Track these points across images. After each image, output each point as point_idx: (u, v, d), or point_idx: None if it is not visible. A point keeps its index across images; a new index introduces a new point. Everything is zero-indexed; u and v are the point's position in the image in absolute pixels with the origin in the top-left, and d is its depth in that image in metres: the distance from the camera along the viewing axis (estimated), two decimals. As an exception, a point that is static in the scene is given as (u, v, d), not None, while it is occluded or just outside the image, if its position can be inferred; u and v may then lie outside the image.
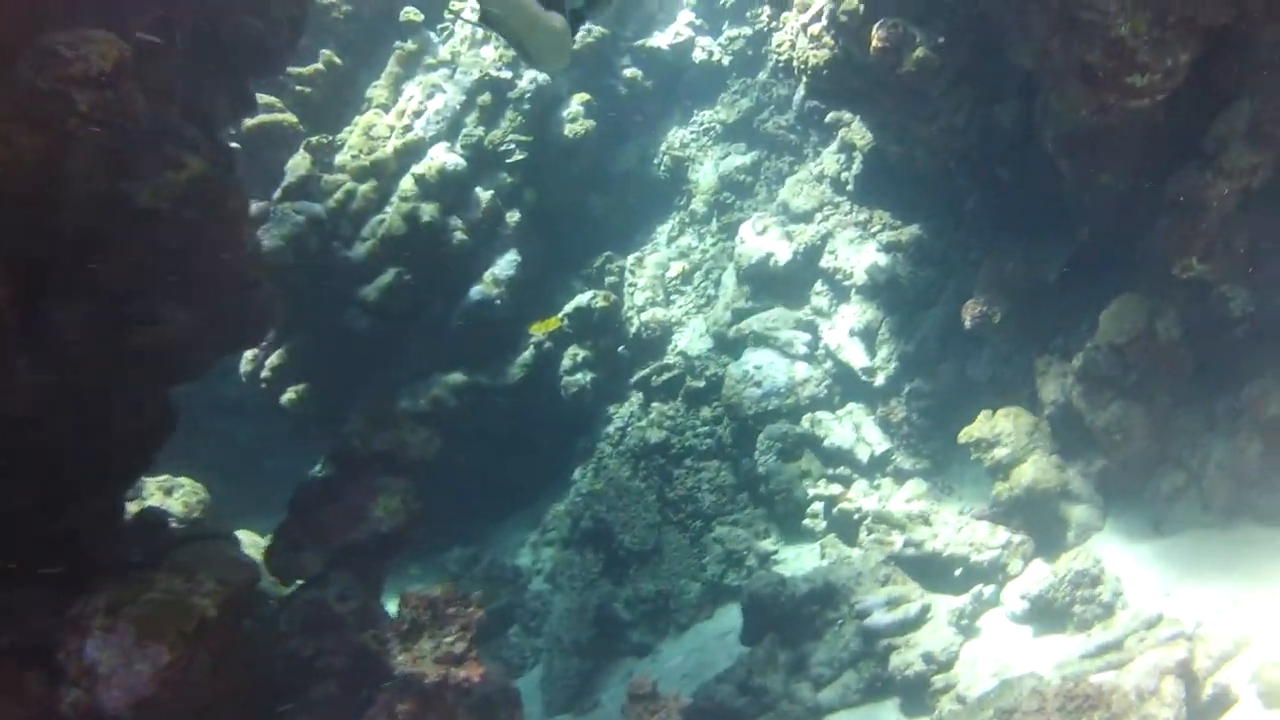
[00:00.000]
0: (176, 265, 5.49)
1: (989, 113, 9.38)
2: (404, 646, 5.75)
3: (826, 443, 10.75)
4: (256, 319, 6.27)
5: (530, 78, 12.69)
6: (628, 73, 14.12)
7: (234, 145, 11.68)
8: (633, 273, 13.14)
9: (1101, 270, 8.87)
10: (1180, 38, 7.11)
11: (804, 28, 9.59)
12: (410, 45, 12.77)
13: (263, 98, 11.77)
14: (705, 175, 13.87)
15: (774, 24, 10.13)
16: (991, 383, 9.90)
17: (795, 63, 9.77)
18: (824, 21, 9.36)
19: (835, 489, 10.51)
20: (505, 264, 12.19)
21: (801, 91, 10.19)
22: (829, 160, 12.33)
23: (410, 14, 12.63)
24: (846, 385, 11.16)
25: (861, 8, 8.93)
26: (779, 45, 10.05)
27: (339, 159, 11.99)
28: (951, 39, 8.82)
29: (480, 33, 12.60)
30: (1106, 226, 8.72)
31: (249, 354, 11.56)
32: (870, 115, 10.49)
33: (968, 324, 9.44)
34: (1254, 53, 7.33)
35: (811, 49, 9.48)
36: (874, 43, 8.86)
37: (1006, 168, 9.56)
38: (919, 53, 8.75)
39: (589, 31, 13.47)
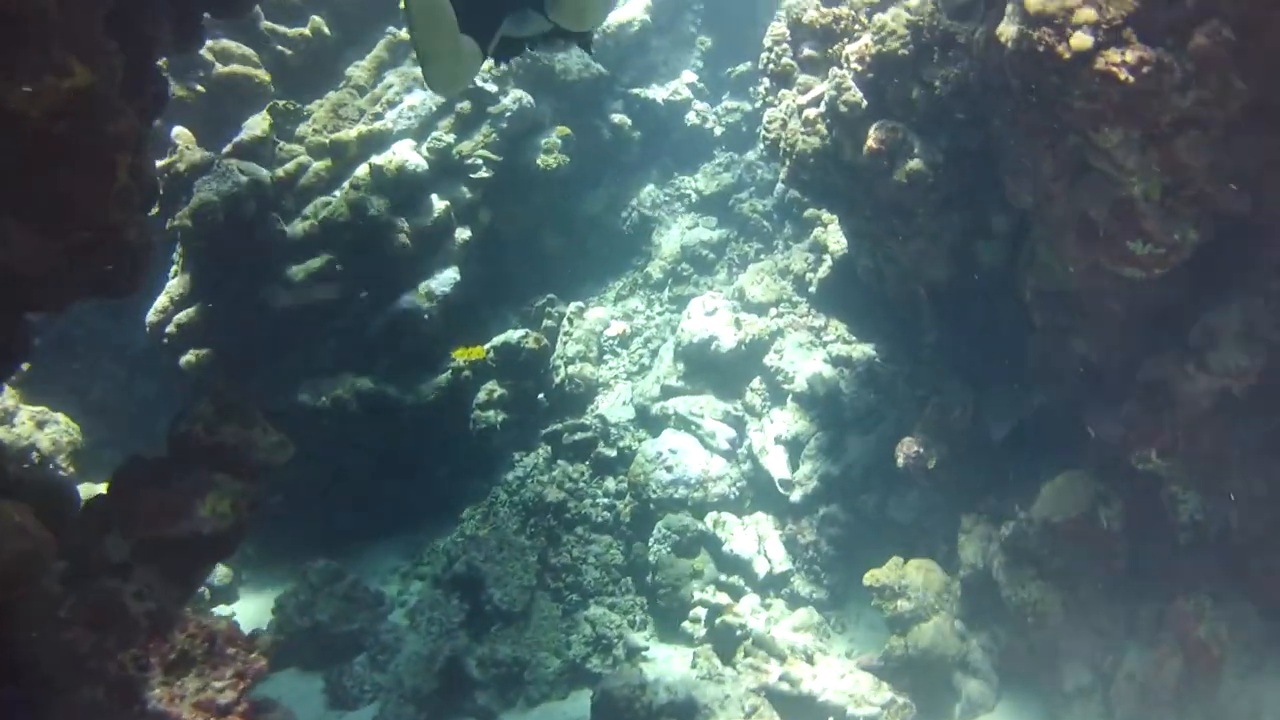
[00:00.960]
0: (35, 184, 4.67)
1: (972, 248, 8.71)
2: (165, 679, 4.85)
3: (726, 547, 9.98)
4: (125, 264, 5.39)
5: (515, 97, 12.07)
6: (616, 118, 13.51)
7: (197, 88, 11.26)
8: (571, 321, 12.40)
9: (1053, 438, 8.26)
10: (1194, 214, 6.50)
11: (800, 109, 8.91)
12: (403, 33, 12.09)
13: (240, 49, 11.44)
14: (669, 241, 13.21)
15: (770, 99, 9.39)
16: (911, 527, 9.23)
17: (783, 144, 9.07)
18: (822, 107, 8.68)
19: (723, 598, 9.70)
20: (444, 279, 11.36)
21: (783, 175, 9.42)
22: (797, 257, 11.72)
23: (412, 1, 11.80)
24: (760, 492, 10.40)
25: (864, 102, 8.27)
26: (770, 121, 9.33)
27: (300, 129, 11.34)
28: (952, 159, 8.16)
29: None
30: (1068, 394, 8.08)
31: (159, 303, 10.69)
32: (848, 221, 9.80)
33: (900, 462, 8.74)
34: (1263, 250, 6.80)
35: (803, 133, 8.79)
36: (869, 142, 8.19)
37: (977, 310, 8.89)
38: (914, 164, 8.07)
39: (587, 67, 12.94)
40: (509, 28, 4.80)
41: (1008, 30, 6.42)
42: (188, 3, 6.98)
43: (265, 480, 6.05)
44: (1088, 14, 5.99)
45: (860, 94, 8.29)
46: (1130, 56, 5.93)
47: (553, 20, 4.68)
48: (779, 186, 12.18)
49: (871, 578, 8.33)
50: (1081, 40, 5.99)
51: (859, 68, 8.27)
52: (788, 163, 9.06)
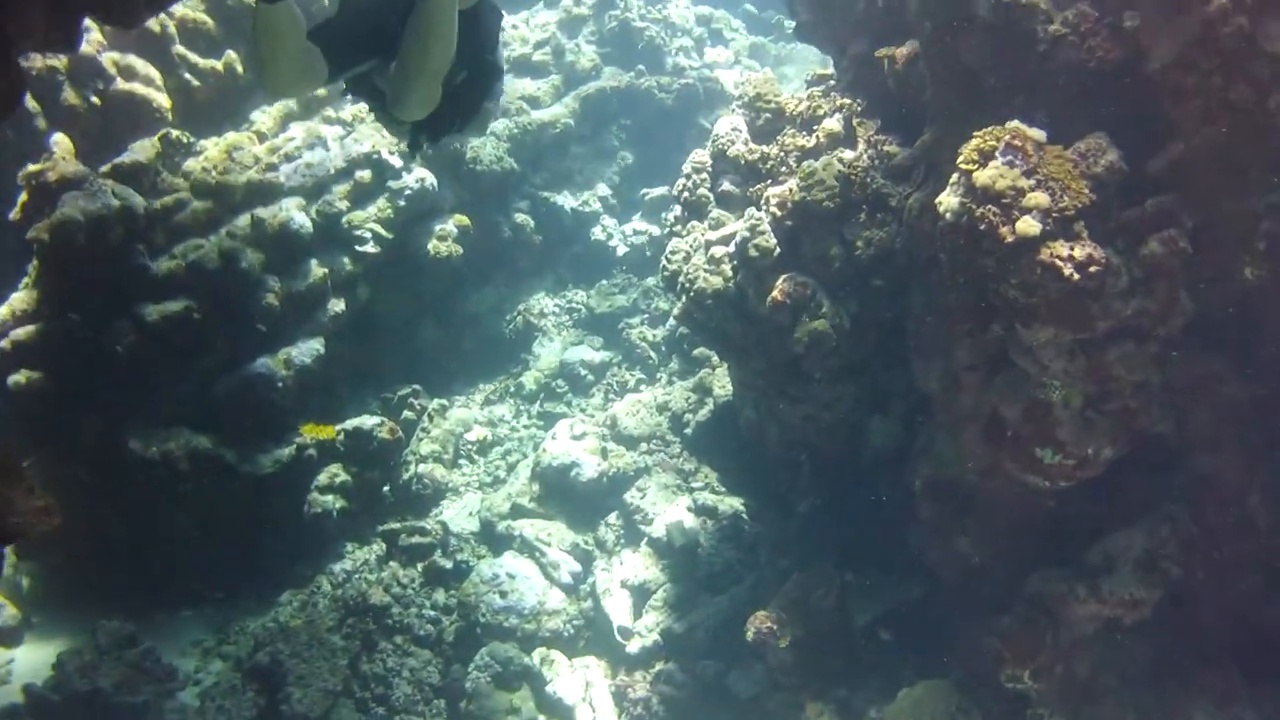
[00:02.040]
0: None
1: (865, 423, 8.14)
2: None
3: (550, 688, 9.13)
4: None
5: (419, 176, 11.40)
6: (520, 217, 12.93)
7: (92, 99, 10.39)
8: (432, 418, 11.55)
9: (918, 637, 7.64)
10: (1112, 430, 5.98)
11: (707, 245, 8.32)
12: (320, 91, 11.32)
13: (145, 68, 10.67)
14: (549, 354, 12.52)
15: (678, 228, 8.79)
16: (751, 704, 8.42)
17: (682, 278, 8.44)
18: (731, 248, 8.10)
19: (537, 745, 8.87)
20: (306, 350, 10.51)
21: (677, 310, 8.76)
22: (679, 394, 11.08)
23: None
24: (597, 636, 9.60)
25: (777, 250, 7.70)
26: (673, 252, 8.71)
27: (189, 164, 10.43)
28: (859, 326, 7.60)
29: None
30: (943, 593, 7.45)
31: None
32: (737, 370, 9.16)
33: (750, 635, 8.01)
34: (1176, 474, 6.32)
35: (706, 270, 8.19)
36: (774, 293, 7.62)
37: (859, 488, 8.26)
38: (818, 324, 7.50)
39: (500, 160, 12.35)
40: (368, 69, 4.90)
41: (948, 201, 5.87)
42: (64, -4, 6.14)
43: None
44: (1039, 199, 5.46)
45: (774, 241, 7.72)
46: (1079, 252, 5.40)
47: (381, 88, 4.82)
48: (672, 319, 11.57)
49: (696, 761, 7.54)
50: (1028, 226, 5.45)
51: (778, 213, 7.72)
52: (684, 299, 8.43)
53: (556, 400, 11.99)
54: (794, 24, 8.97)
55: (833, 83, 8.64)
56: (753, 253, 7.72)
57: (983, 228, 5.60)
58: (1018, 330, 5.82)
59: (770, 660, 8.10)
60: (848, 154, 7.55)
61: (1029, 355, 5.89)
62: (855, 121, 7.86)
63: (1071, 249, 5.40)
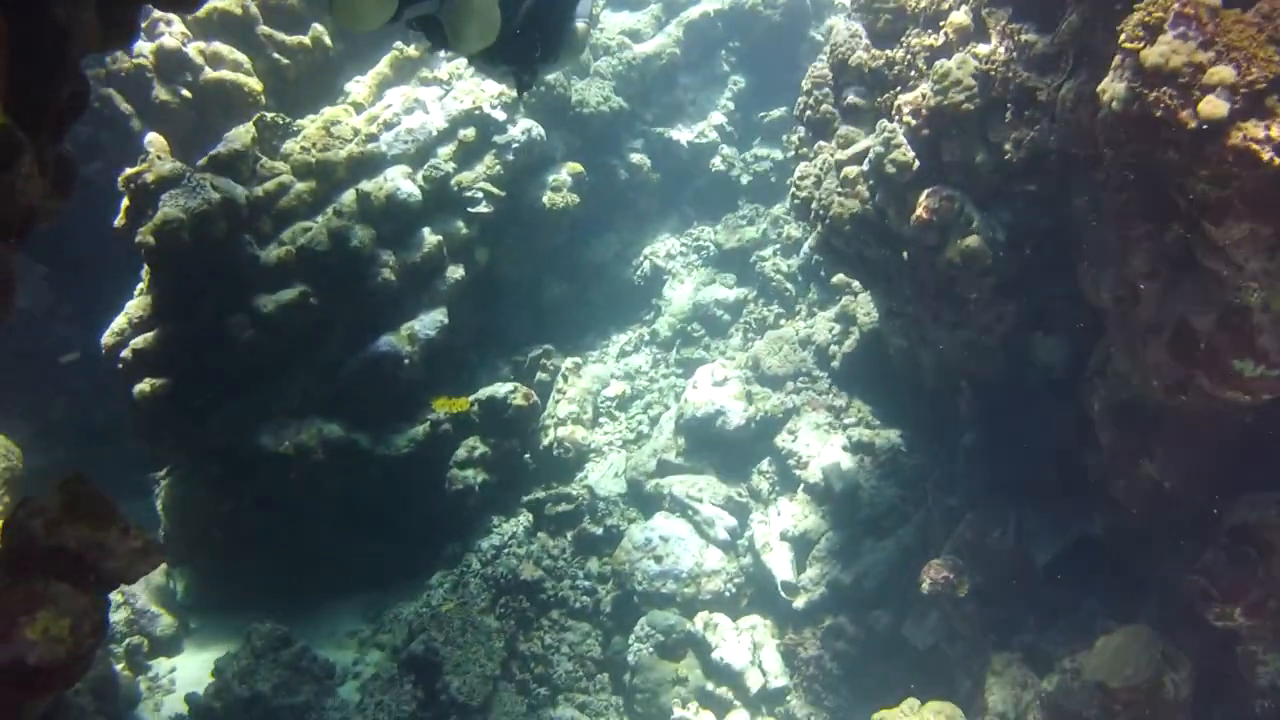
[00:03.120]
0: None
1: (1028, 342, 7.28)
2: None
3: (716, 654, 8.59)
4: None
5: (524, 128, 10.82)
6: (635, 157, 12.28)
7: (183, 93, 10.19)
8: (566, 378, 10.98)
9: (1105, 574, 6.86)
10: (1323, 334, 5.06)
11: (838, 166, 7.50)
12: (411, 50, 10.94)
13: (231, 53, 10.41)
14: (681, 297, 11.86)
15: (804, 150, 7.98)
16: (929, 654, 7.78)
17: (815, 205, 7.67)
18: (865, 165, 7.29)
19: (708, 716, 8.31)
20: (429, 322, 10.06)
21: (812, 241, 7.98)
22: (821, 326, 10.34)
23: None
24: (760, 593, 9.01)
25: (916, 163, 6.87)
26: (801, 177, 7.91)
27: (287, 146, 10.01)
28: (1015, 238, 6.75)
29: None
30: (1132, 527, 6.61)
31: (117, 324, 9.47)
32: (882, 298, 8.37)
33: (925, 588, 7.28)
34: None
35: (839, 194, 7.38)
36: (918, 210, 6.80)
37: (1028, 415, 7.43)
38: (970, 241, 6.66)
39: (607, 99, 11.69)
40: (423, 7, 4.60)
41: (1113, 88, 5.01)
42: (115, -17, 5.61)
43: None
44: (1223, 73, 4.57)
45: (912, 153, 6.89)
46: (1276, 131, 4.49)
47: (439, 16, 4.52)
48: (806, 247, 10.79)
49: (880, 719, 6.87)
50: (1213, 107, 4.57)
51: (913, 122, 6.88)
52: (819, 227, 7.65)
53: (694, 345, 11.34)
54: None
55: None
56: (889, 169, 6.92)
57: (1158, 114, 4.74)
58: (1206, 228, 4.95)
59: (947, 609, 7.37)
60: (982, 48, 6.67)
61: (1221, 256, 5.01)
62: (984, 12, 6.97)
63: (1268, 128, 4.51)
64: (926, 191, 6.81)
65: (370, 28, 4.67)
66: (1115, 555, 6.85)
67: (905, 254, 7.16)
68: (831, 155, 7.60)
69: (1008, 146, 6.44)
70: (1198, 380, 5.46)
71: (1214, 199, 4.74)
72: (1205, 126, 4.59)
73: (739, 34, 13.27)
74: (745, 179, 12.50)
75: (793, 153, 8.30)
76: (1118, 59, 5.01)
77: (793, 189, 8.02)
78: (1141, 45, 4.82)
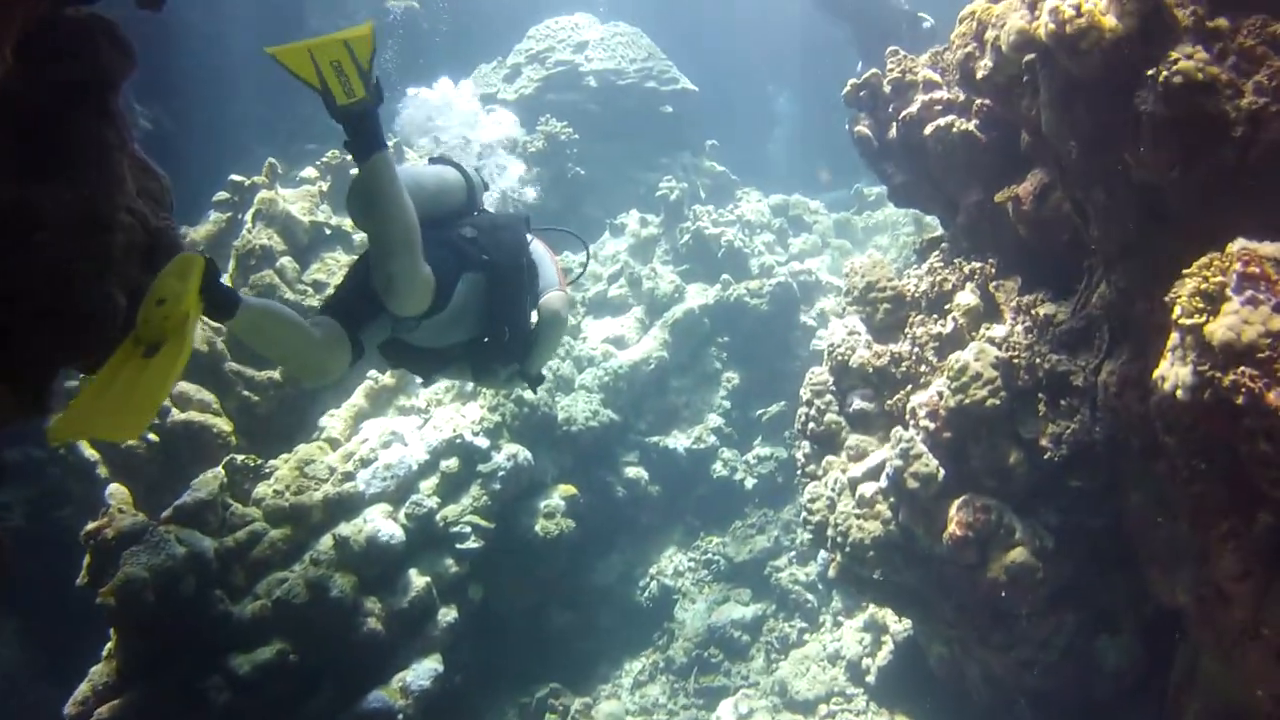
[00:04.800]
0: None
1: (1091, 648, 6.21)
2: None
3: None
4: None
5: (510, 453, 10.03)
6: (631, 471, 11.51)
7: (149, 437, 9.57)
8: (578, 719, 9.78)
9: None
10: None
11: (852, 484, 6.57)
12: (386, 379, 10.32)
13: (199, 392, 9.85)
14: (694, 618, 10.82)
15: (811, 467, 7.06)
16: None
17: (831, 532, 6.67)
18: (883, 481, 6.36)
19: None
20: (423, 672, 9.02)
21: (833, 571, 6.95)
22: (850, 638, 9.31)
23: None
24: None
25: (941, 473, 5.94)
26: (812, 500, 6.92)
27: (259, 489, 9.28)
28: (1065, 540, 5.77)
29: (469, 386, 10.14)
30: None
31: (80, 691, 8.48)
32: (920, 623, 7.31)
33: None
34: None
35: (857, 516, 6.44)
36: (950, 527, 5.83)
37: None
38: (1015, 555, 5.69)
39: (595, 414, 10.98)
40: (377, 331, 4.49)
41: (1175, 373, 4.11)
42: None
43: None
44: (1315, 343, 3.69)
45: (935, 462, 6.00)
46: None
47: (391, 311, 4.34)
48: (822, 563, 9.84)
49: None
50: (1312, 387, 3.65)
51: (931, 426, 6.02)
52: (838, 556, 6.64)
53: (713, 672, 10.22)
54: (886, 188, 7.49)
55: (945, 245, 7.09)
56: (911, 483, 6.01)
57: (1240, 401, 3.82)
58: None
59: None
60: (997, 330, 5.89)
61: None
62: (992, 287, 6.21)
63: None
64: (957, 503, 5.87)
65: (334, 377, 4.39)
66: None
67: (941, 576, 6.14)
68: (843, 471, 6.69)
69: (1045, 443, 5.53)
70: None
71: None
72: (1305, 414, 3.67)
73: (727, 328, 12.82)
74: (750, 482, 11.79)
75: (799, 472, 7.35)
76: (1174, 337, 4.13)
77: (804, 514, 7.02)
78: (1204, 319, 3.95)
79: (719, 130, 18.23)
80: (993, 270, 6.27)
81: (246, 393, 10.09)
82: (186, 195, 11.50)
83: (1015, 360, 5.63)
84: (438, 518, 9.51)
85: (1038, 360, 5.53)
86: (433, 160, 5.26)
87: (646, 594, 11.20)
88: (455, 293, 4.52)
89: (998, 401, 5.62)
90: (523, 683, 10.28)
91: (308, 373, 4.34)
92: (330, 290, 5.02)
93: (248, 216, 11.19)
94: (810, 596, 10.28)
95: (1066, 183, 5.25)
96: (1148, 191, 4.52)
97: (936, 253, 7.18)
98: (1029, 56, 5.06)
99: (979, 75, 5.65)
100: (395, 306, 4.27)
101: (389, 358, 4.88)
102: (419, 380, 9.71)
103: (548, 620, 10.77)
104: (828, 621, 10.01)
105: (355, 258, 4.96)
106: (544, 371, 5.32)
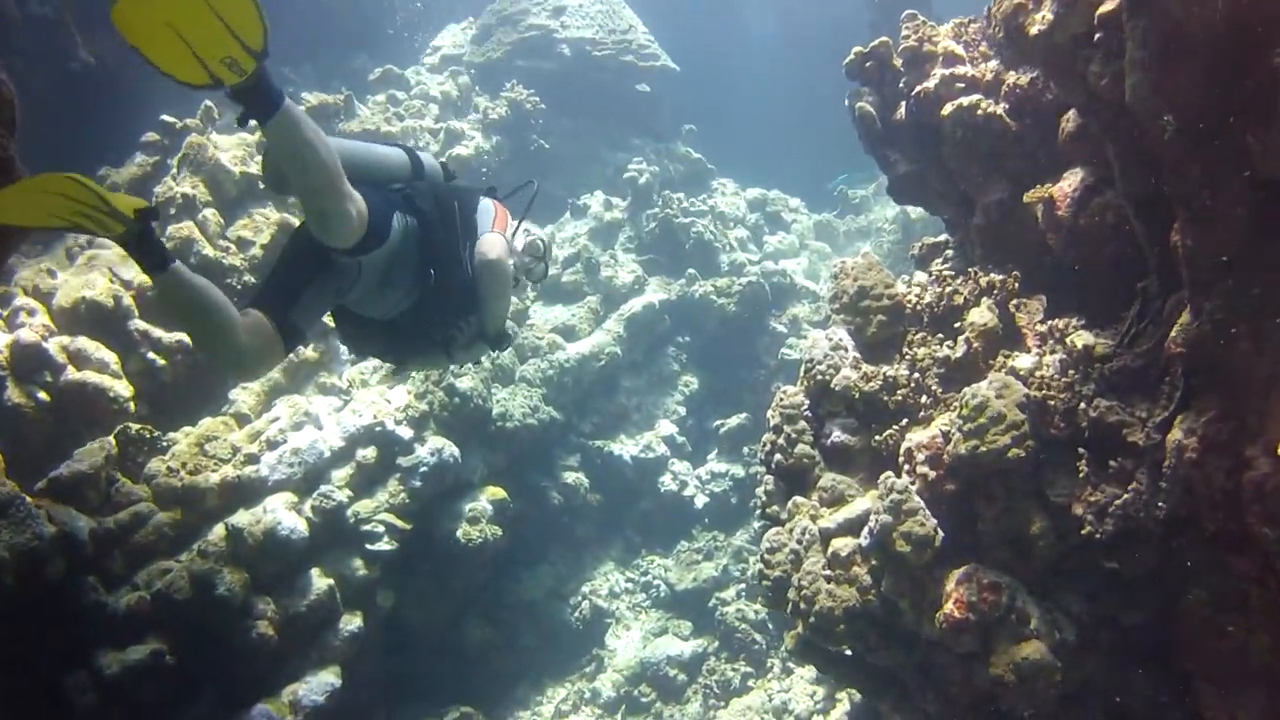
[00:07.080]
0: None
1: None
2: None
3: None
4: None
5: (435, 447, 8.93)
6: (570, 477, 10.49)
7: (39, 396, 8.29)
8: (489, 746, 8.74)
9: None
10: None
11: (824, 537, 5.25)
12: (309, 353, 9.22)
13: (98, 350, 8.55)
14: (628, 647, 9.74)
15: (774, 508, 5.77)
16: None
17: (794, 592, 5.31)
18: (864, 538, 5.03)
19: None
20: (317, 685, 7.95)
21: (790, 643, 5.66)
22: (800, 690, 8.39)
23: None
24: None
25: (939, 536, 4.64)
26: (772, 550, 5.56)
27: (152, 465, 8.15)
28: (1088, 636, 4.48)
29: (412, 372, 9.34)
30: None
31: None
32: (891, 712, 5.98)
33: None
34: None
35: (828, 579, 5.13)
36: (947, 605, 4.57)
37: None
38: (1029, 651, 4.41)
39: (534, 411, 9.87)
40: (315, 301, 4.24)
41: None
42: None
43: None
44: None
45: (932, 522, 4.70)
46: None
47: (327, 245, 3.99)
48: (785, 649, 8.80)
49: None
50: None
51: (931, 474, 4.74)
52: (799, 625, 5.29)
53: (642, 713, 9.15)
54: (885, 181, 6.26)
55: (951, 252, 5.93)
56: (900, 545, 4.70)
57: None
58: None
59: None
60: (1022, 361, 4.61)
61: None
62: (1013, 305, 4.93)
63: None
64: (957, 576, 4.59)
65: (269, 370, 4.14)
66: None
67: (926, 663, 4.84)
68: (813, 519, 5.34)
69: (1081, 511, 4.22)
70: None
71: None
72: None
73: (689, 327, 11.95)
74: (701, 500, 10.84)
75: (759, 514, 6.00)
76: None
77: (762, 566, 5.68)
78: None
79: (701, 116, 17.14)
80: (1015, 285, 4.99)
81: (152, 355, 8.84)
82: (127, 137, 10.32)
83: (1051, 402, 4.32)
84: (348, 513, 8.52)
85: (1081, 405, 4.23)
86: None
87: (577, 614, 10.12)
88: (391, 230, 4.21)
89: (1022, 452, 4.33)
90: (432, 703, 9.26)
91: (240, 369, 4.05)
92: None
93: (174, 161, 9.94)
94: (758, 637, 9.20)
95: (1127, 180, 3.98)
96: (1274, 190, 3.23)
97: (939, 260, 5.94)
98: (1109, 6, 3.75)
99: (1032, 31, 4.36)
100: (330, 238, 3.93)
101: (347, 341, 4.74)
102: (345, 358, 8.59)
103: (464, 635, 9.76)
104: (776, 667, 8.96)
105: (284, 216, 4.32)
106: (508, 330, 4.87)
